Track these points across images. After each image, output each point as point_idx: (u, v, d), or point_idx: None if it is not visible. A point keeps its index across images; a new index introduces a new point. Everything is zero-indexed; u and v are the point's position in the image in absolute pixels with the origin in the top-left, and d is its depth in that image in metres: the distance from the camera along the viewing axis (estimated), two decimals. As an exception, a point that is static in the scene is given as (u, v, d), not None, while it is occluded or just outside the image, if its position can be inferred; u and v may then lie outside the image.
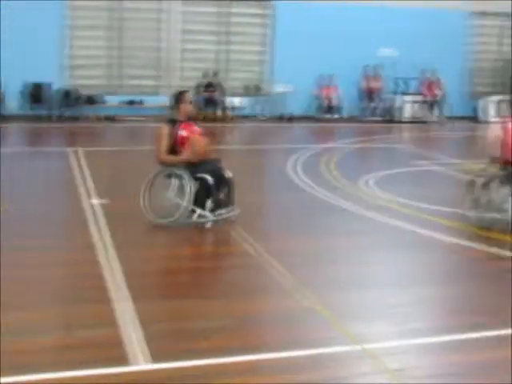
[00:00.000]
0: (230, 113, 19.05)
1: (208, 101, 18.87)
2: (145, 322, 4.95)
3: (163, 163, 8.05)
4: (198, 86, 18.86)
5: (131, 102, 18.82)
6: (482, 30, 21.93)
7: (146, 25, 18.99)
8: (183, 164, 7.95)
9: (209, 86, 18.93)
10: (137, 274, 6.11)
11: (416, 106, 20.17)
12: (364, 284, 6.21)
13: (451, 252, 7.36)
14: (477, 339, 5.01)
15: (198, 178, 7.87)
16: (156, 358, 4.41)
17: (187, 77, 19.12)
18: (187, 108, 8.21)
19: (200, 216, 7.82)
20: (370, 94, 20.17)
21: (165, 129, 8.02)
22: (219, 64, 19.63)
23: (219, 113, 18.90)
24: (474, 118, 20.72)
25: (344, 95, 19.70)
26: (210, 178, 7.83)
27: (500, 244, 7.40)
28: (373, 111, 20.14)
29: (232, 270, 6.58)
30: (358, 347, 4.72)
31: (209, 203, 7.82)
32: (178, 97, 8.25)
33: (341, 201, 9.31)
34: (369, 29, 19.68)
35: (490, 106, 20.62)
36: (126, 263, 6.31)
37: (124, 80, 19.08)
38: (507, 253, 7.10)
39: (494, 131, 9.15)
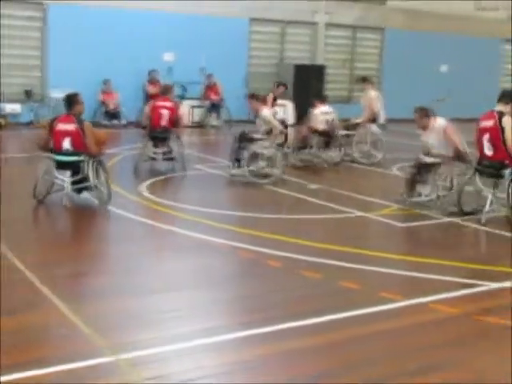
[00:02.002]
0: (1, 120, 18.10)
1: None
2: None
3: (98, 154, 9.25)
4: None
5: None
6: (263, 36, 22.68)
7: None
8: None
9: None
10: None
11: (196, 110, 20.35)
12: (135, 292, 6.11)
13: (225, 254, 7.43)
14: (245, 338, 5.11)
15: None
16: None
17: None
18: (81, 109, 9.40)
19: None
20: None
21: (90, 126, 9.32)
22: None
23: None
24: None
25: (128, 100, 19.43)
26: None
27: (271, 244, 7.58)
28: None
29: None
30: (118, 358, 4.61)
31: None
32: (73, 98, 9.36)
33: (118, 207, 9.11)
34: (152, 34, 19.66)
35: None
36: None
37: None
38: (278, 252, 7.29)
39: None
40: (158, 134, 12.26)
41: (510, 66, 28.03)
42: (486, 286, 6.47)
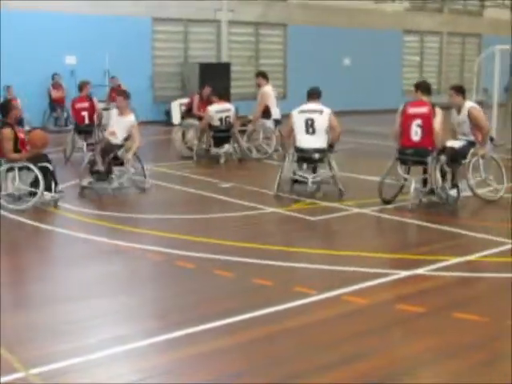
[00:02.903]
0: None
1: None
2: None
3: (12, 160, 9.18)
4: None
5: None
6: (166, 35, 22.45)
7: None
8: (29, 158, 9.27)
9: None
10: None
11: (104, 113, 19.95)
12: (47, 302, 5.91)
13: (135, 257, 7.29)
14: (165, 341, 5.00)
15: (42, 167, 9.23)
16: None
17: None
18: (17, 114, 9.77)
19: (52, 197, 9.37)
20: (57, 104, 19.59)
21: (8, 132, 9.18)
22: None
23: None
24: (166, 122, 21.10)
25: (33, 105, 18.83)
26: (50, 166, 9.37)
27: (182, 245, 7.48)
28: (56, 121, 19.62)
29: None
30: (30, 372, 4.39)
31: (53, 185, 9.35)
32: (9, 105, 9.68)
33: (21, 214, 8.81)
34: (52, 36, 19.25)
35: (174, 110, 21.12)
36: None
37: None
38: (189, 253, 7.19)
39: None
40: (83, 128, 13.94)
41: (413, 58, 28.71)
42: (397, 275, 6.55)
